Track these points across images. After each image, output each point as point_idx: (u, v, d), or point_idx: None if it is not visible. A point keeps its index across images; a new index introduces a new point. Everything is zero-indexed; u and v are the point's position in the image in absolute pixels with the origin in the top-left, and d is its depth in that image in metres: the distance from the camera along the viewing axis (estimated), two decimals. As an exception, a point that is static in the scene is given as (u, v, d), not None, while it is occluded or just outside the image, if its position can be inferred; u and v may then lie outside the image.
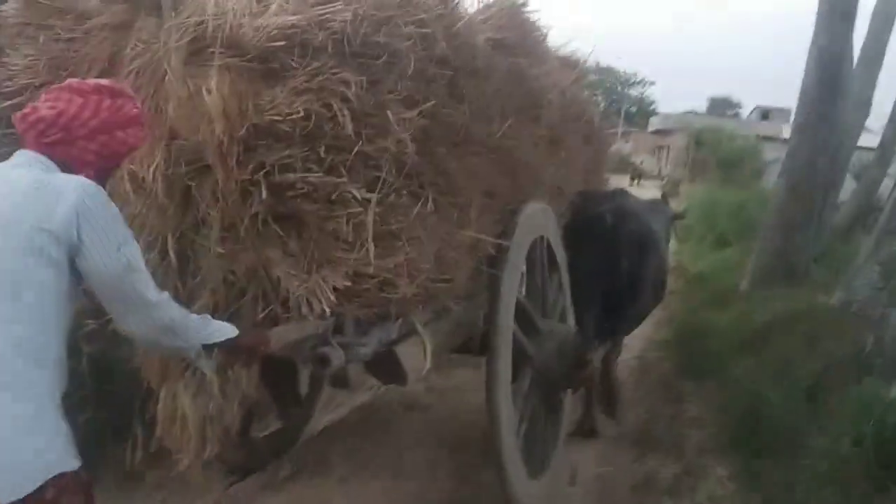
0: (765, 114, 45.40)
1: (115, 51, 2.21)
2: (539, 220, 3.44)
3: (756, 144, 29.54)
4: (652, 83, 67.98)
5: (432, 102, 2.25)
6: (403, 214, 2.22)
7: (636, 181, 35.08)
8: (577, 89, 4.35)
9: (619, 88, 65.58)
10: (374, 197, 2.07)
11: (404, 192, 2.23)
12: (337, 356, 2.18)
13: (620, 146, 54.65)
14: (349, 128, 2.00)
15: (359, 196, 2.05)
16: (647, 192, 30.15)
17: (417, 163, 2.24)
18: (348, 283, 2.05)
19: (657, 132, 47.12)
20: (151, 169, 2.07)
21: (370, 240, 2.07)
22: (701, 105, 59.07)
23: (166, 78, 2.09)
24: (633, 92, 67.73)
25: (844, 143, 8.97)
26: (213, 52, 2.03)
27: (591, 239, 4.20)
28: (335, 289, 2.03)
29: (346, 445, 4.28)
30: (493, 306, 2.98)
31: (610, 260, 4.21)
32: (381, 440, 4.43)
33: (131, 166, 2.07)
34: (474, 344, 3.34)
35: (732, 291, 8.12)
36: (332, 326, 2.22)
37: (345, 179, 2.04)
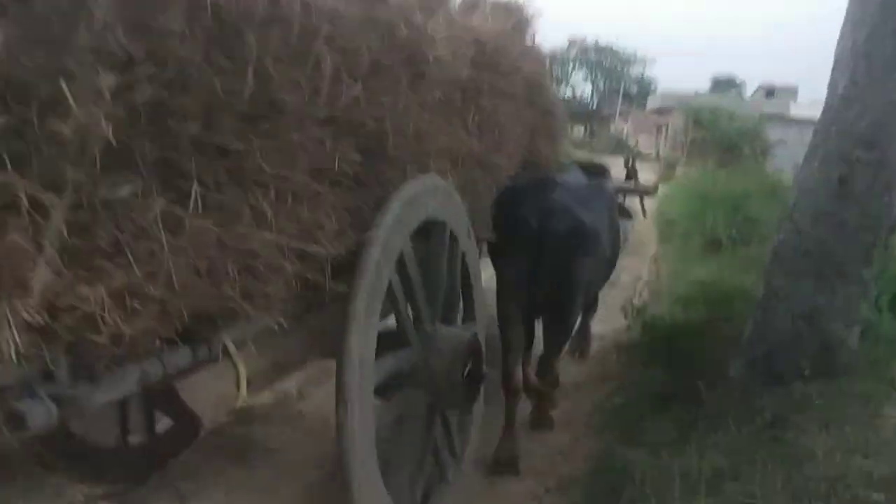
0: (770, 91, 43.69)
1: None
2: (421, 206, 2.85)
3: (759, 124, 27.75)
4: (653, 60, 67.24)
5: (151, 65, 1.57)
6: (127, 220, 1.61)
7: (631, 162, 34.02)
8: (510, 40, 3.92)
9: (619, 68, 64.85)
10: (57, 199, 1.46)
11: (122, 186, 1.59)
12: (41, 414, 1.65)
13: (619, 126, 55.34)
14: None
15: (37, 198, 1.43)
16: (642, 173, 29.57)
17: (141, 147, 1.62)
18: (41, 318, 1.46)
19: (656, 111, 45.82)
20: None
21: (52, 258, 1.46)
22: (705, 86, 57.97)
23: None
24: (634, 71, 66.63)
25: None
26: None
27: (512, 245, 3.88)
28: (28, 325, 1.44)
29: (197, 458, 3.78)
30: (342, 335, 2.43)
31: (533, 269, 3.84)
32: (235, 452, 3.99)
33: None
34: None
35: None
36: (39, 374, 1.65)
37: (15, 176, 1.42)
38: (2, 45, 1.37)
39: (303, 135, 2.11)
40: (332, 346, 2.53)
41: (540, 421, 4.57)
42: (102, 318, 1.59)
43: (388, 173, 2.66)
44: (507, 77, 3.73)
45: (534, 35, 4.47)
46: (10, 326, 1.46)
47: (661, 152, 40.35)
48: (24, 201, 1.41)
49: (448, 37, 2.95)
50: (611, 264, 4.92)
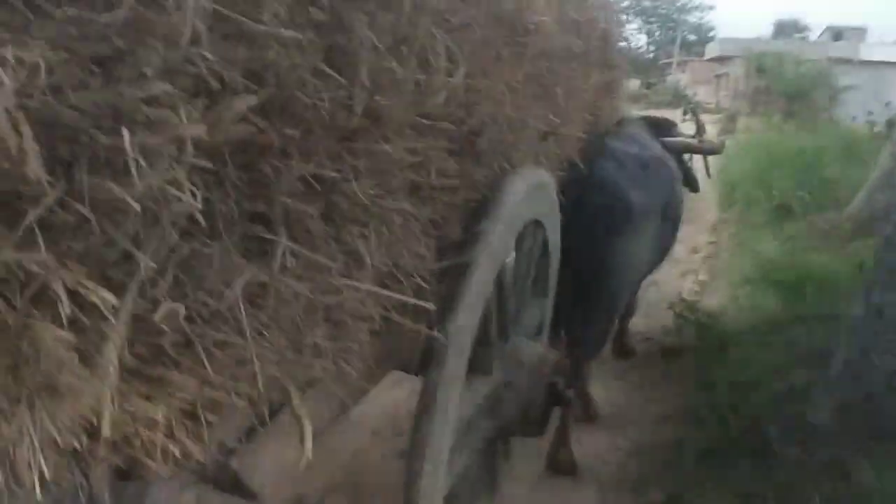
0: (837, 34, 41.38)
1: None
2: (522, 208, 2.39)
3: (827, 69, 25.85)
4: (711, 7, 65.05)
5: None
6: (198, 305, 1.18)
7: (690, 115, 32.65)
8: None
9: (675, 15, 62.42)
10: (114, 300, 1.00)
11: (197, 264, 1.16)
12: None
13: (676, 77, 53.66)
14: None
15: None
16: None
17: (225, 203, 1.21)
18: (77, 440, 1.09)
19: (715, 59, 43.67)
20: None
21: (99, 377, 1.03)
22: (767, 31, 55.63)
23: None
24: (691, 18, 63.88)
25: None
26: None
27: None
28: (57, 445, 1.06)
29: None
30: (438, 361, 2.01)
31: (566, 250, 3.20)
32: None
33: None
34: (412, 363, 2.27)
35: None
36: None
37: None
38: (42, 73, 0.88)
39: (400, 146, 1.63)
40: (406, 361, 2.27)
41: (558, 462, 3.75)
42: (167, 438, 1.26)
43: (477, 173, 2.20)
44: (588, 37, 3.23)
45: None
46: (34, 446, 1.06)
47: (721, 103, 38.94)
48: (63, 297, 0.96)
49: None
50: (664, 250, 4.36)
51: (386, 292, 1.65)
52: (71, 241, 0.96)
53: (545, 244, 2.87)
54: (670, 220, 4.03)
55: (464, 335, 2.10)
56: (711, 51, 45.75)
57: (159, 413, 1.16)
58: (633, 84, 55.65)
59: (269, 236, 1.26)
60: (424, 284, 1.85)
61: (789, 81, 25.24)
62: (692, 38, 60.66)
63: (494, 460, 2.87)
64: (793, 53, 28.11)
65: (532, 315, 2.99)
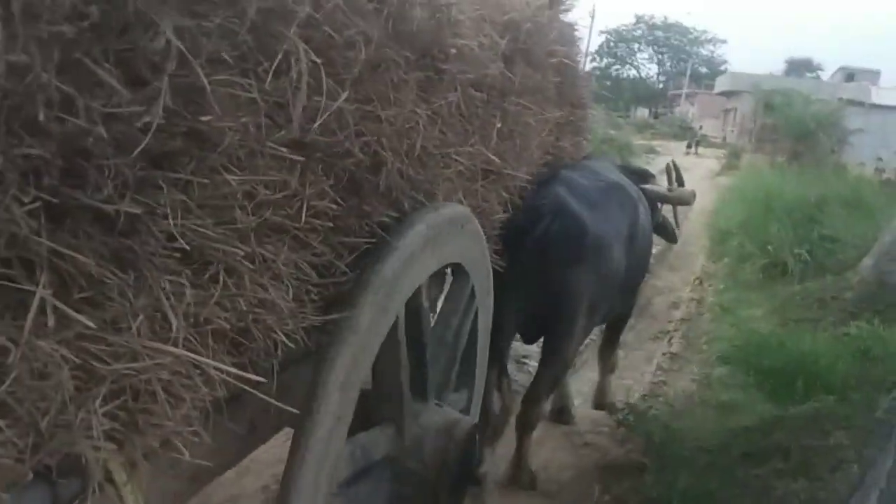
0: (850, 75, 40.78)
1: None
2: (442, 248, 2.24)
3: (837, 110, 24.88)
4: (723, 41, 65.05)
5: None
6: None
7: (693, 148, 32.18)
8: (546, 18, 3.11)
9: (687, 46, 62.49)
10: None
11: None
12: None
13: (684, 108, 53.38)
14: None
15: None
16: (704, 160, 27.50)
17: None
18: None
19: (725, 93, 43.62)
20: None
21: None
22: (779, 68, 55.29)
23: None
24: (703, 51, 64.09)
25: None
26: None
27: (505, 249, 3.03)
28: None
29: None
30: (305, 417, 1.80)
31: (522, 278, 3.12)
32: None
33: None
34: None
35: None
36: None
37: None
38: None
39: (247, 176, 1.44)
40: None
41: (518, 475, 3.60)
42: None
43: (378, 210, 1.94)
44: (540, 68, 3.07)
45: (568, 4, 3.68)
46: None
47: (727, 138, 38.38)
48: None
49: (476, 18, 2.34)
50: (631, 290, 4.15)
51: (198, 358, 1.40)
52: None
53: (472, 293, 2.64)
54: (637, 246, 3.74)
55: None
56: (721, 84, 45.59)
57: None
58: (642, 113, 55.66)
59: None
60: (290, 343, 1.66)
61: (797, 120, 24.29)
62: (703, 70, 60.89)
63: None
64: (803, 92, 27.28)
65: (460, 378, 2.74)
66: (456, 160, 2.37)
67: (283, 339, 1.64)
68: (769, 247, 7.48)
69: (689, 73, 56.92)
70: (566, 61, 3.47)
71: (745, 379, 4.46)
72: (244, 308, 1.52)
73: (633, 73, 62.20)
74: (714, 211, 9.63)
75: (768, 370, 4.48)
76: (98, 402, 1.22)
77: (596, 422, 4.30)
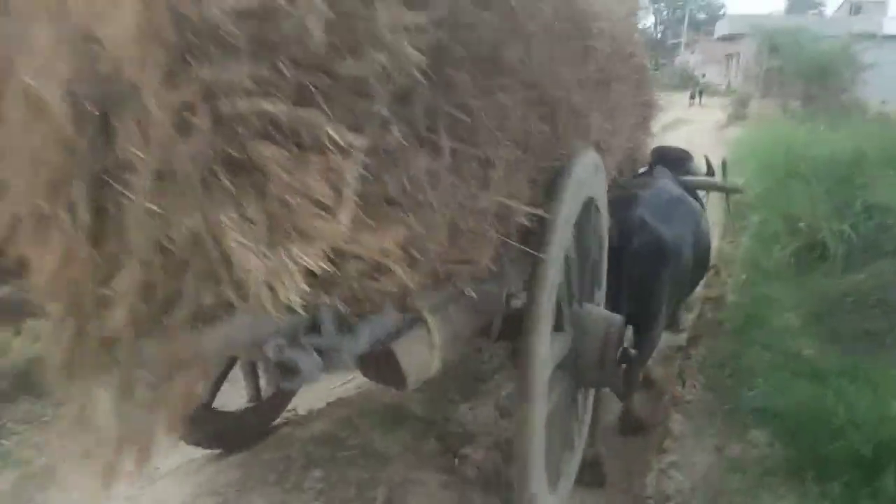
0: (856, 7, 39.16)
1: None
2: (588, 181, 2.82)
3: (849, 45, 22.92)
4: None
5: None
6: (406, 169, 1.57)
7: (697, 98, 30.48)
8: (628, 25, 3.75)
9: None
10: (361, 141, 1.38)
11: (409, 135, 1.57)
12: (309, 364, 1.79)
13: (685, 57, 51.43)
14: (318, 32, 1.29)
15: (340, 139, 1.36)
16: (709, 111, 25.80)
17: (428, 92, 1.59)
18: (325, 266, 1.40)
19: (725, 38, 42.07)
20: (54, 84, 1.30)
21: (352, 206, 1.40)
22: (780, 7, 53.67)
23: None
24: None
25: None
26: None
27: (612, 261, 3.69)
28: (309, 272, 1.37)
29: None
30: (532, 299, 2.41)
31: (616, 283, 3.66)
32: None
33: (27, 79, 1.31)
34: (494, 328, 2.69)
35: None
36: (305, 324, 1.77)
37: (320, 112, 1.35)
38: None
39: (512, 97, 2.00)
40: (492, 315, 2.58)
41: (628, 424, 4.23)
42: (391, 268, 1.57)
43: (558, 148, 2.49)
44: (626, 62, 3.53)
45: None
46: (292, 274, 1.36)
47: (731, 84, 36.71)
48: (335, 137, 1.34)
49: (605, 9, 2.98)
50: (695, 281, 4.71)
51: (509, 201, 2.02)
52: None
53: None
54: (699, 247, 4.22)
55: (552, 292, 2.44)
56: (721, 28, 44.33)
57: (387, 241, 1.46)
58: (640, 66, 54.10)
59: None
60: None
61: (807, 61, 22.45)
62: (701, 16, 59.38)
63: (575, 412, 3.18)
64: (809, 30, 25.42)
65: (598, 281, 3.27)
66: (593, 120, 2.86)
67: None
68: (800, 224, 5.87)
69: (686, 20, 55.31)
70: (643, 62, 4.05)
71: (780, 439, 2.99)
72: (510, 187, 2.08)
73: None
74: (724, 174, 8.07)
75: (806, 426, 3.01)
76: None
77: None
